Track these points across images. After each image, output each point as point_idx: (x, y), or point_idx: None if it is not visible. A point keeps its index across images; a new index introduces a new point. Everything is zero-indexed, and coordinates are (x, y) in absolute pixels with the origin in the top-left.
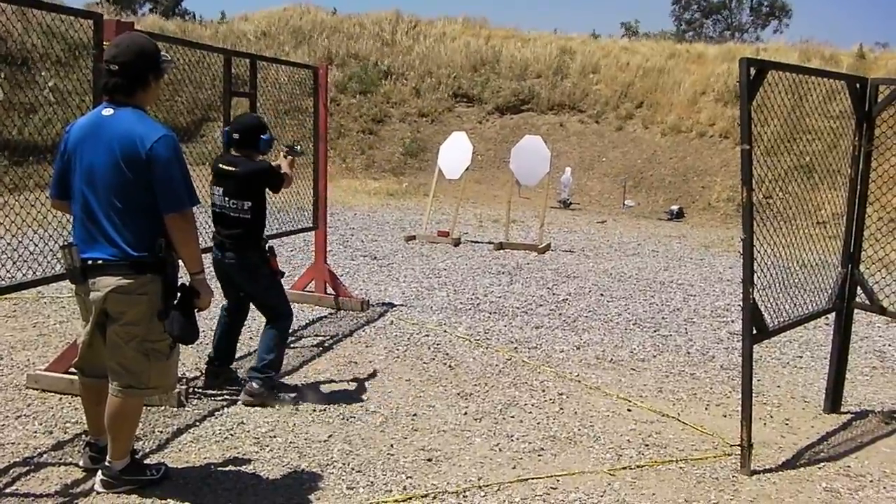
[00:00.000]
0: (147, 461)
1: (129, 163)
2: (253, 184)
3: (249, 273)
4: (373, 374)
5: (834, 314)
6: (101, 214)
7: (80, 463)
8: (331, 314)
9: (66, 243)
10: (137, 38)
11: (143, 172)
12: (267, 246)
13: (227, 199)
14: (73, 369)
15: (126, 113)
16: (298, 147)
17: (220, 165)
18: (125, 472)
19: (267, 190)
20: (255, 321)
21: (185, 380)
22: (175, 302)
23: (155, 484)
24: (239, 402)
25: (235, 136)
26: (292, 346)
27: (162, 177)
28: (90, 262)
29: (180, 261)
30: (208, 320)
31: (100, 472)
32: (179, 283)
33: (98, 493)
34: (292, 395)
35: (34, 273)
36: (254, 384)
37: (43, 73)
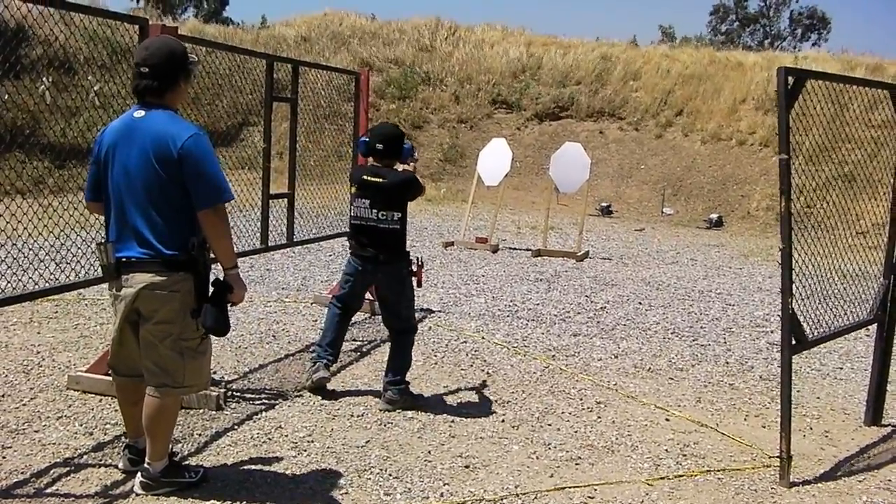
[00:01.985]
0: (186, 464)
1: (162, 162)
2: (404, 194)
3: (400, 283)
4: (410, 381)
5: (875, 325)
6: (135, 214)
7: (120, 465)
8: (368, 319)
9: (101, 241)
10: (167, 40)
11: (176, 171)
12: (417, 258)
13: (374, 210)
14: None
15: (157, 114)
16: (415, 153)
17: (365, 177)
18: (164, 475)
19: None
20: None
21: (223, 383)
22: (209, 296)
23: (193, 486)
24: (276, 407)
25: (380, 146)
26: None
27: (194, 174)
28: (124, 259)
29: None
30: (246, 324)
31: (139, 475)
32: (213, 279)
33: (137, 495)
34: (418, 393)
35: (76, 275)
36: (391, 393)
37: (90, 78)
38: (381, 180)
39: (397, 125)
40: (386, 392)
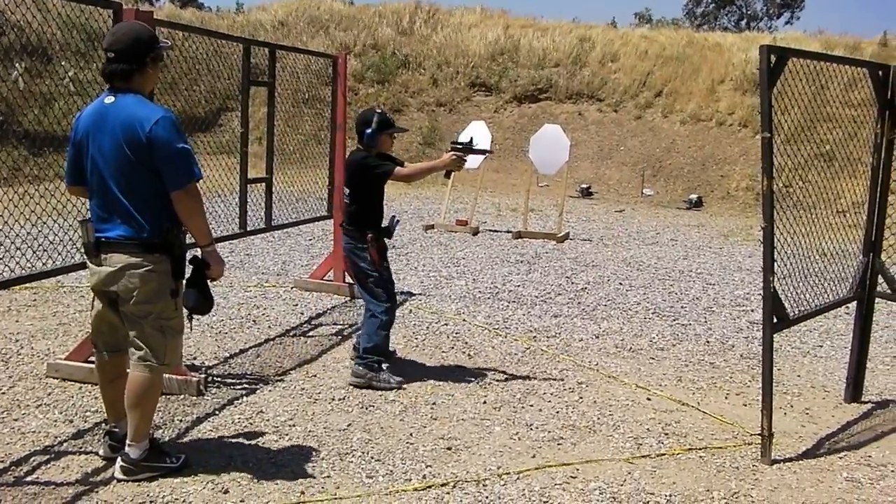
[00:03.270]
0: (167, 450)
1: (132, 146)
2: (354, 175)
3: (355, 259)
4: (391, 364)
5: (855, 303)
6: (112, 197)
7: (101, 452)
8: (349, 303)
9: (83, 219)
10: (133, 25)
11: (146, 154)
12: (369, 236)
13: (344, 188)
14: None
15: (126, 99)
16: (474, 145)
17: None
18: (145, 460)
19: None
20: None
21: (204, 368)
22: (188, 276)
23: (175, 472)
24: (258, 392)
25: (365, 129)
26: (309, 334)
27: (164, 156)
28: (103, 239)
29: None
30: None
31: (119, 459)
32: (192, 257)
33: (118, 480)
34: (398, 379)
35: (54, 262)
36: (353, 365)
37: (63, 63)
38: (348, 159)
39: (371, 110)
40: (352, 365)
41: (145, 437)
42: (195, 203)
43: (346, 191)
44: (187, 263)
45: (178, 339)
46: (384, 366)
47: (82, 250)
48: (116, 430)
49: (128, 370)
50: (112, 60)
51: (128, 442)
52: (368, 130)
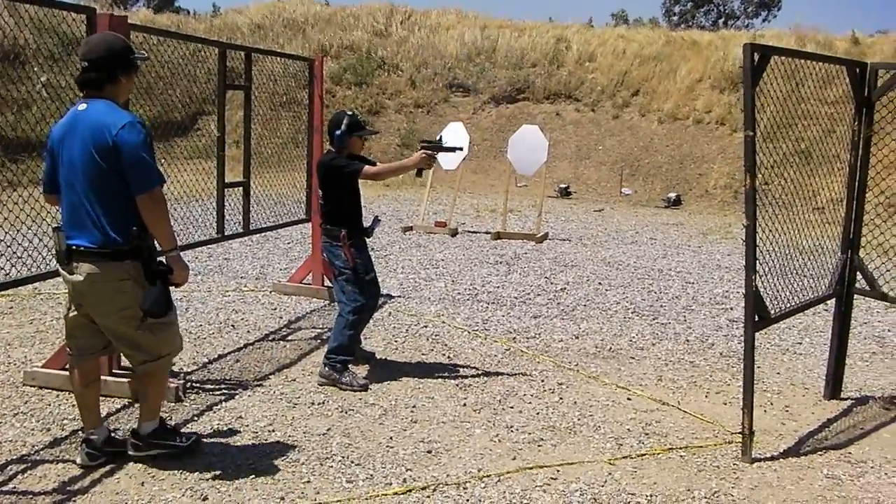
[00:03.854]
0: (180, 430)
1: (101, 152)
2: (322, 178)
3: (332, 259)
4: (371, 366)
5: (834, 300)
6: (83, 204)
7: (78, 460)
8: (328, 306)
9: (56, 226)
10: (107, 36)
11: (113, 159)
12: (342, 234)
13: (319, 189)
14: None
15: (97, 105)
16: (444, 143)
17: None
18: (154, 437)
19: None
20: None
21: (182, 374)
22: (151, 279)
23: (186, 452)
24: (237, 397)
25: (336, 131)
26: (288, 338)
27: (129, 161)
28: (74, 247)
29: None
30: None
31: (130, 437)
32: (158, 261)
33: (130, 456)
34: (363, 381)
35: (29, 270)
36: (321, 367)
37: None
38: (319, 161)
39: (339, 113)
40: (320, 367)
41: (155, 416)
42: (159, 207)
43: (320, 192)
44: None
45: (169, 331)
46: (349, 366)
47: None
48: (94, 437)
49: (98, 378)
50: (85, 70)
51: (139, 421)
52: (338, 132)
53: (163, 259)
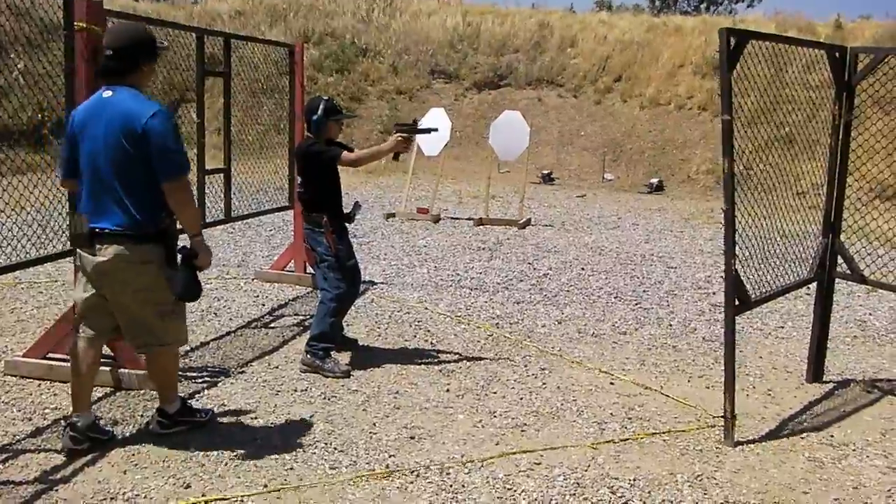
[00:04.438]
0: (197, 407)
1: (129, 138)
2: (301, 163)
3: (313, 245)
4: (354, 353)
5: (815, 284)
6: (107, 188)
7: (60, 445)
8: (310, 293)
9: (73, 211)
10: (130, 25)
11: (141, 146)
12: (324, 220)
13: (298, 176)
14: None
15: (123, 93)
16: (419, 125)
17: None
18: (179, 414)
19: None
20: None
21: None
22: (178, 264)
23: (204, 425)
24: (219, 384)
25: (313, 116)
26: (271, 326)
27: (158, 148)
28: (98, 230)
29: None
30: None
31: (155, 416)
32: (181, 246)
33: (156, 434)
34: (345, 367)
35: (9, 258)
36: (303, 354)
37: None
38: (298, 150)
39: (318, 97)
40: (303, 354)
41: (175, 397)
42: (186, 193)
43: (300, 179)
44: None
45: (179, 320)
46: (332, 353)
47: (68, 240)
48: (79, 421)
49: (98, 363)
50: (109, 58)
51: (161, 404)
52: (314, 117)
53: (185, 244)
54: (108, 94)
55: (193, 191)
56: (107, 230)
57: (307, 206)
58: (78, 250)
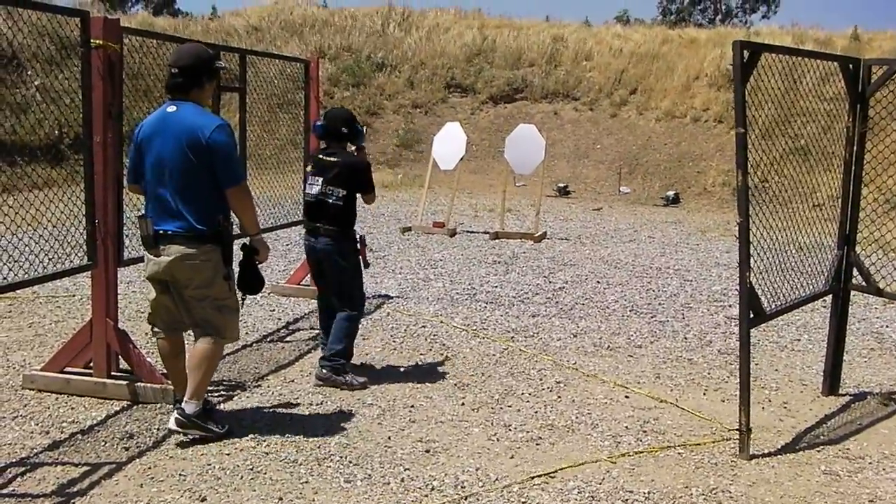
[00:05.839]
0: (217, 418)
1: (193, 149)
2: (352, 175)
3: (339, 258)
4: (369, 367)
5: (831, 296)
6: (170, 194)
7: (169, 424)
8: None
9: (141, 215)
10: (195, 46)
11: (205, 156)
12: (359, 237)
13: (324, 186)
14: (71, 368)
15: (187, 108)
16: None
17: (320, 156)
18: (197, 417)
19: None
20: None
21: None
22: (240, 261)
23: (217, 439)
24: (235, 398)
25: (345, 129)
26: (287, 339)
27: (221, 158)
28: (161, 232)
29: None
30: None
31: (175, 412)
32: (242, 244)
33: (171, 430)
34: (362, 380)
35: (27, 273)
36: (319, 369)
37: (30, 73)
38: (335, 160)
39: (342, 108)
40: (318, 367)
41: (201, 397)
42: (247, 198)
43: (340, 191)
44: (238, 250)
45: (234, 316)
46: (347, 367)
47: (141, 243)
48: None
49: (184, 349)
50: (175, 76)
51: (185, 398)
52: (361, 127)
53: (246, 241)
54: (172, 108)
55: None
56: (169, 232)
57: (339, 220)
58: (145, 252)
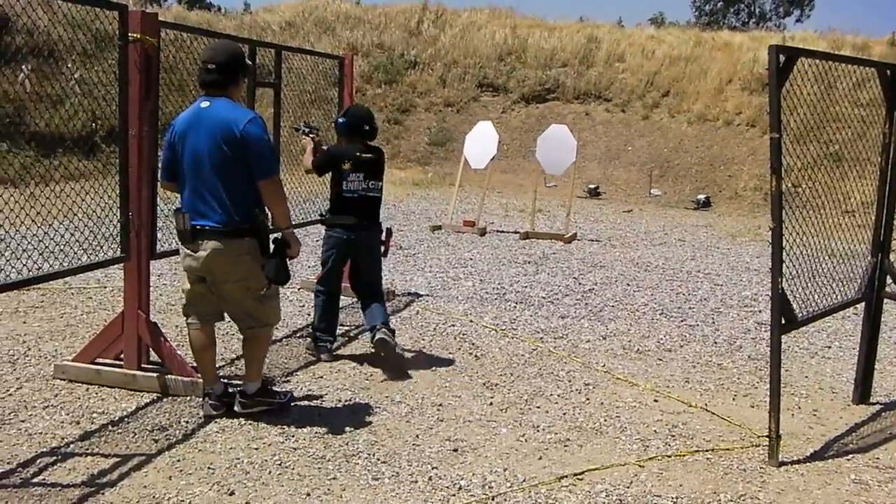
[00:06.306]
0: (277, 389)
1: (228, 142)
2: (381, 167)
3: (378, 248)
4: (398, 364)
5: (863, 304)
6: (207, 189)
7: (202, 412)
8: (355, 303)
9: (177, 209)
10: (230, 43)
11: (239, 149)
12: (387, 228)
13: (368, 182)
14: (101, 359)
15: (221, 102)
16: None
17: (358, 153)
18: (258, 395)
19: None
20: None
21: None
22: (270, 255)
23: (284, 407)
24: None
25: (367, 127)
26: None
27: (255, 151)
28: (199, 227)
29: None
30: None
31: (237, 396)
32: (273, 237)
33: (237, 413)
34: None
35: (60, 264)
36: (388, 331)
37: (69, 65)
38: (372, 156)
39: (366, 106)
40: (381, 329)
41: (258, 378)
42: (280, 190)
43: (379, 184)
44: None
45: (274, 302)
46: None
47: (177, 237)
48: (213, 391)
49: (215, 341)
50: (211, 72)
51: (244, 383)
52: (377, 126)
53: (277, 235)
54: (205, 104)
55: None
56: (207, 227)
57: (378, 211)
58: (181, 246)
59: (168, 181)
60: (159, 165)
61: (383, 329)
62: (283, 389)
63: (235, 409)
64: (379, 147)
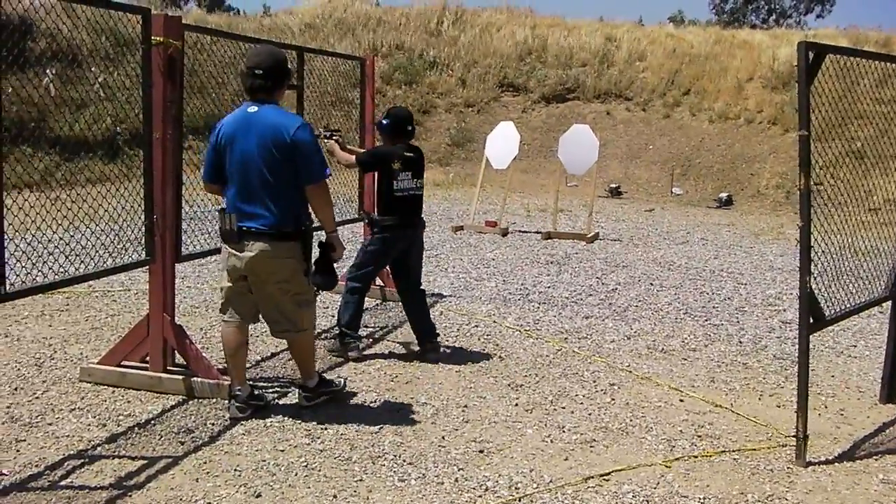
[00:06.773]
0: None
1: (278, 147)
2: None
3: (421, 246)
4: (423, 366)
5: (890, 302)
6: (255, 192)
7: (228, 414)
8: (379, 305)
9: (221, 208)
10: (274, 49)
11: (289, 153)
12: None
13: (415, 181)
14: (127, 362)
15: (269, 108)
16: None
17: (406, 153)
18: (318, 387)
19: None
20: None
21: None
22: (316, 258)
23: (342, 395)
24: (289, 394)
25: (410, 127)
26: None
27: (303, 155)
28: (245, 229)
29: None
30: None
31: (299, 392)
32: (318, 241)
33: (302, 407)
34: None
35: (86, 267)
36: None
37: (93, 69)
38: (414, 155)
39: (400, 108)
40: (430, 351)
41: (313, 373)
42: (326, 195)
43: (422, 182)
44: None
45: (311, 308)
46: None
47: (219, 236)
48: (240, 392)
49: (248, 341)
50: (258, 77)
51: (302, 380)
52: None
53: (321, 240)
54: (253, 109)
55: None
56: (254, 229)
57: (421, 208)
58: (225, 245)
59: (212, 183)
60: (201, 167)
61: (434, 348)
62: (337, 383)
63: (302, 403)
64: (418, 146)
